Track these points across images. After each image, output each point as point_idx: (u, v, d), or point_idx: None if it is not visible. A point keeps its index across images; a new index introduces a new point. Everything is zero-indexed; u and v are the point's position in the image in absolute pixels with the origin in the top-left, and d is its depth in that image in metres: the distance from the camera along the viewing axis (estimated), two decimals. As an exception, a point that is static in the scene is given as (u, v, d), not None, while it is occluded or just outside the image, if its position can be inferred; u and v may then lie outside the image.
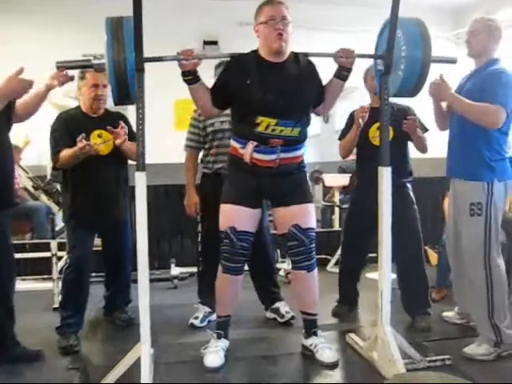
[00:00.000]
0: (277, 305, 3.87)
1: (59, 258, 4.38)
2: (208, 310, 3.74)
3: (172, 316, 3.97)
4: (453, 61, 3.08)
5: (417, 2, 4.37)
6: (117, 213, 3.60)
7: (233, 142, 3.10)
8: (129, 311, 3.80)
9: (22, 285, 4.57)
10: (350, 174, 4.13)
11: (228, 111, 3.16)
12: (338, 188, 5.90)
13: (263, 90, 2.89)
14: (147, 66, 2.67)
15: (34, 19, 5.13)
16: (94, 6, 4.69)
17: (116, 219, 3.61)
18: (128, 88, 2.64)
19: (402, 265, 3.68)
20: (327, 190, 6.60)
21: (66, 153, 3.31)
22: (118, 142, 3.37)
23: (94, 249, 3.63)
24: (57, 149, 3.38)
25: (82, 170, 3.36)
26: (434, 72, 3.00)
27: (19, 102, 2.99)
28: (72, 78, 3.11)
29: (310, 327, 3.21)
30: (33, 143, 5.42)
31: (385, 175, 2.96)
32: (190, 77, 2.86)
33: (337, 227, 5.99)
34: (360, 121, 3.52)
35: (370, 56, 3.13)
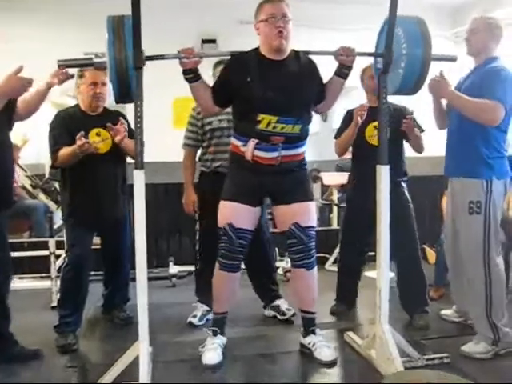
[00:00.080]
0: (276, 302, 3.87)
1: (57, 257, 4.38)
2: (206, 308, 3.74)
3: (170, 314, 3.97)
4: (453, 59, 3.09)
5: (416, 0, 4.36)
6: (115, 211, 3.60)
7: (234, 140, 3.10)
8: (127, 310, 3.81)
9: (20, 283, 4.59)
10: (348, 173, 4.14)
11: (226, 109, 3.16)
12: (336, 186, 5.90)
13: (264, 87, 2.89)
14: (146, 63, 2.67)
15: (35, 18, 5.12)
16: (96, 5, 4.68)
17: (115, 218, 3.61)
18: (129, 86, 2.65)
19: (399, 263, 3.69)
20: (325, 189, 6.60)
21: (64, 151, 3.31)
22: (117, 138, 3.36)
23: (93, 247, 3.63)
24: (56, 147, 3.37)
25: (80, 168, 3.35)
26: (434, 70, 3.01)
27: (20, 100, 2.98)
28: (72, 76, 3.12)
29: (309, 325, 3.21)
30: (31, 142, 5.42)
31: (383, 173, 2.97)
32: (191, 75, 2.87)
33: (335, 226, 6.00)
34: (359, 119, 3.52)
35: (370, 54, 3.13)
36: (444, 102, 3.33)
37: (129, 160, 3.53)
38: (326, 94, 3.11)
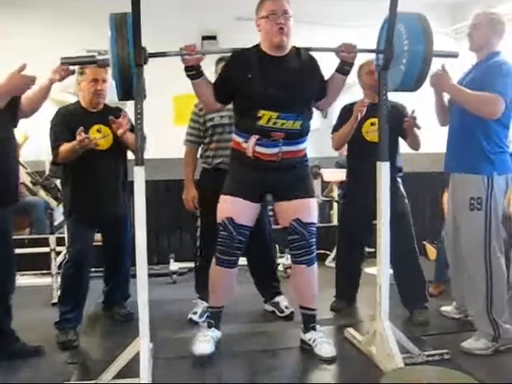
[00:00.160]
0: (276, 299, 3.88)
1: (58, 253, 4.39)
2: (207, 304, 3.74)
3: (171, 311, 3.98)
4: (454, 55, 3.09)
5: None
6: (116, 208, 3.60)
7: (235, 137, 3.10)
8: (128, 306, 3.81)
9: (20, 280, 4.56)
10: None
11: (228, 106, 3.16)
12: (336, 183, 5.90)
13: (265, 83, 2.89)
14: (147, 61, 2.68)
15: (35, 14, 5.12)
16: (96, 1, 4.68)
17: (115, 214, 3.61)
18: (132, 83, 2.66)
19: (397, 259, 3.69)
20: (325, 185, 6.60)
21: (65, 147, 3.31)
22: (119, 131, 3.35)
23: (95, 244, 3.64)
24: (56, 143, 3.38)
25: (81, 164, 3.36)
26: (435, 67, 3.01)
27: (23, 97, 2.99)
28: (73, 72, 3.12)
29: (309, 322, 3.21)
30: (31, 139, 5.41)
31: (383, 170, 2.97)
32: (193, 72, 2.87)
33: (335, 222, 5.98)
34: (358, 114, 3.52)
35: (371, 51, 3.13)
36: (446, 98, 3.33)
37: (130, 156, 3.53)
38: (327, 91, 3.11)
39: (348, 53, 2.92)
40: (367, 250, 4.53)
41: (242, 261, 4.02)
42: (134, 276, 2.79)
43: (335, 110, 3.93)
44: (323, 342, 3.12)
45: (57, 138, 3.40)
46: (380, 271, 3.01)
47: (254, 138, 2.94)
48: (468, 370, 2.69)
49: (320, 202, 6.61)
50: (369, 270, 4.55)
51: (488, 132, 3.07)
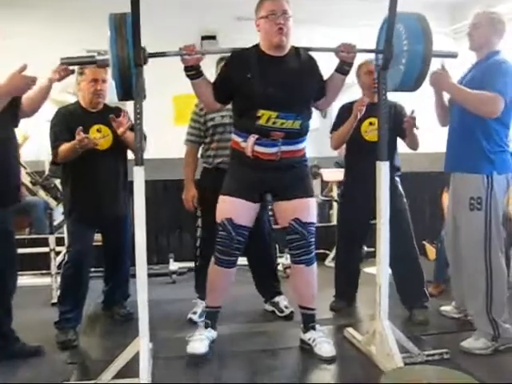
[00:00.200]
0: (276, 299, 3.89)
1: (57, 253, 4.39)
2: (206, 304, 3.75)
3: (170, 311, 3.98)
4: (453, 55, 3.09)
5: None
6: (116, 208, 3.61)
7: (234, 136, 3.11)
8: (127, 306, 3.81)
9: (20, 280, 4.49)
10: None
11: (229, 105, 3.17)
12: (335, 183, 5.90)
13: (264, 83, 2.90)
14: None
15: (35, 14, 5.11)
16: (96, 1, 4.67)
17: (115, 214, 3.62)
18: (132, 83, 2.66)
19: (396, 258, 3.68)
20: (325, 185, 6.60)
21: (64, 147, 3.32)
22: (120, 130, 3.35)
23: (95, 244, 3.64)
24: (56, 143, 3.39)
25: (81, 164, 3.37)
26: (434, 67, 3.01)
27: (24, 97, 3.00)
28: (72, 72, 3.12)
29: (309, 321, 3.22)
30: (31, 139, 5.41)
31: (383, 170, 2.98)
32: (193, 72, 2.88)
33: (335, 222, 5.97)
34: (358, 114, 3.52)
35: (371, 51, 3.14)
36: (446, 98, 3.33)
37: (130, 156, 3.54)
38: (326, 91, 3.12)
39: (347, 53, 2.93)
40: (366, 249, 4.54)
41: (242, 261, 4.04)
42: (134, 276, 2.79)
43: (334, 110, 3.93)
44: (323, 342, 3.12)
45: (56, 138, 3.40)
46: (379, 271, 3.01)
47: (253, 138, 2.95)
48: (468, 370, 2.69)
49: (320, 201, 6.63)
50: (368, 269, 4.56)
51: (488, 131, 3.07)
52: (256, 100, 2.92)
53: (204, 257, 3.76)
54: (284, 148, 2.98)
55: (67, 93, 4.62)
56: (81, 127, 3.20)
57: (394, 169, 3.66)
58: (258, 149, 2.97)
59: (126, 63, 2.60)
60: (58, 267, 4.10)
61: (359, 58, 3.21)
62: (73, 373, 2.95)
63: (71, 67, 3.07)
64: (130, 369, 2.70)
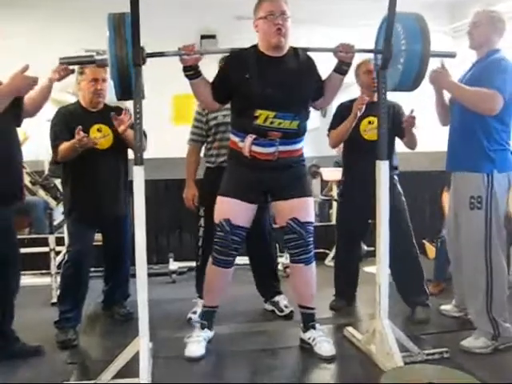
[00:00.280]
0: (276, 298, 3.89)
1: (57, 253, 4.38)
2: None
3: (170, 310, 3.98)
4: (452, 55, 3.09)
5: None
6: (116, 207, 3.61)
7: (232, 136, 3.11)
8: (127, 306, 3.81)
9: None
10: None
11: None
12: (335, 182, 5.90)
13: (262, 84, 2.90)
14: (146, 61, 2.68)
15: (35, 14, 5.11)
16: (96, 1, 4.67)
17: (115, 214, 3.62)
18: (131, 83, 2.66)
19: (396, 256, 3.68)
20: (325, 184, 6.61)
21: (64, 146, 3.33)
22: (121, 128, 3.35)
23: (95, 244, 3.64)
24: (56, 142, 3.39)
25: (81, 164, 3.37)
26: (434, 66, 3.02)
27: (26, 97, 3.01)
28: (72, 71, 3.12)
29: (308, 321, 3.22)
30: (31, 138, 5.41)
31: (382, 169, 2.98)
32: (192, 72, 2.88)
33: (334, 221, 5.99)
34: (358, 112, 3.52)
35: (369, 51, 3.14)
36: (447, 97, 3.33)
37: (130, 156, 3.53)
38: (324, 91, 3.12)
39: (346, 53, 2.93)
40: (366, 248, 4.54)
41: (242, 260, 4.04)
42: (134, 275, 2.79)
43: (334, 109, 3.93)
44: (323, 341, 3.12)
45: (56, 137, 3.41)
46: (379, 270, 3.01)
47: (250, 138, 2.95)
48: (468, 369, 2.69)
49: (319, 201, 6.64)
50: (368, 268, 4.56)
51: (489, 130, 3.06)
52: (254, 100, 2.92)
53: (206, 256, 3.74)
54: (281, 148, 2.98)
55: (67, 92, 4.62)
56: (80, 126, 3.20)
57: (392, 168, 3.67)
58: (256, 149, 2.97)
59: (125, 63, 2.60)
60: (58, 267, 4.10)
61: (358, 58, 3.21)
62: (73, 373, 2.94)
63: (71, 67, 3.07)
64: (130, 368, 2.70)
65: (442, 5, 5.83)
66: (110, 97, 3.41)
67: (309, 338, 3.17)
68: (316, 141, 7.08)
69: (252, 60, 2.97)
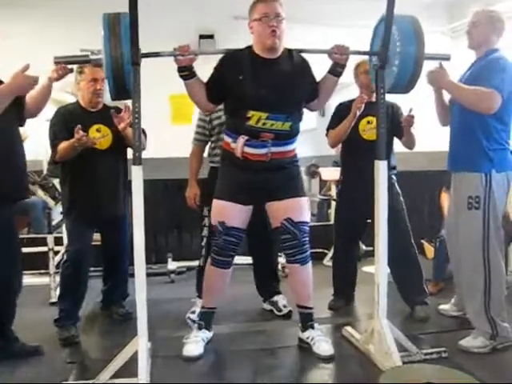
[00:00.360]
0: (275, 298, 3.90)
1: (56, 253, 4.39)
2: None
3: (169, 310, 3.98)
4: (446, 58, 3.09)
5: (413, -5, 4.37)
6: (115, 207, 3.61)
7: (225, 137, 3.13)
8: (126, 305, 3.81)
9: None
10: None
11: None
12: (334, 181, 5.91)
13: (256, 85, 2.91)
14: (143, 60, 2.68)
15: (34, 14, 5.10)
16: (96, 1, 4.66)
17: (114, 213, 3.62)
18: (125, 83, 2.66)
19: (395, 255, 3.69)
20: (323, 184, 6.62)
21: (63, 145, 3.33)
22: (121, 126, 3.35)
23: (93, 243, 3.64)
24: (55, 142, 3.40)
25: (81, 163, 3.38)
26: (432, 67, 3.02)
27: (28, 97, 3.02)
28: (71, 71, 3.12)
29: (307, 320, 3.22)
30: (29, 138, 5.42)
31: (381, 169, 2.98)
32: (186, 72, 2.88)
33: (333, 221, 6.00)
34: (357, 112, 3.52)
35: (364, 53, 3.15)
36: (446, 97, 3.33)
37: (130, 156, 3.53)
38: (318, 93, 3.13)
39: (340, 55, 2.94)
40: (365, 248, 4.54)
41: (242, 260, 4.04)
42: (133, 275, 2.80)
43: (333, 109, 3.93)
44: (321, 341, 3.12)
45: (56, 137, 3.41)
46: (378, 270, 3.01)
47: (242, 139, 2.96)
48: (466, 369, 2.69)
49: (318, 200, 6.65)
50: (366, 268, 4.56)
51: (488, 130, 3.06)
52: (247, 101, 2.93)
53: (209, 256, 3.77)
54: (274, 149, 2.98)
55: (66, 92, 4.62)
56: (79, 125, 3.21)
57: (390, 168, 3.67)
58: (248, 150, 2.97)
59: (120, 62, 2.59)
60: (57, 267, 4.11)
61: (357, 57, 3.20)
62: (72, 372, 2.94)
63: (69, 66, 3.08)
64: (129, 368, 2.69)
65: (441, 5, 5.83)
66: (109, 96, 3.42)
67: (307, 338, 3.18)
68: (315, 140, 7.09)
69: (246, 61, 2.97)
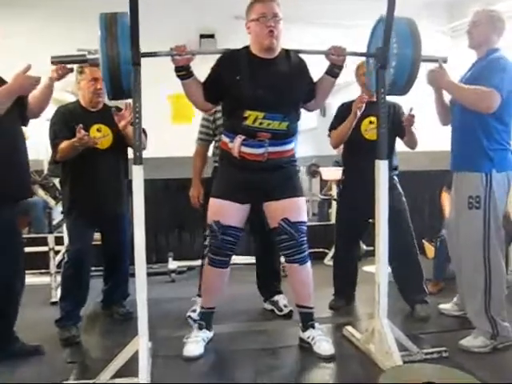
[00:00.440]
0: (276, 298, 3.90)
1: (56, 252, 4.39)
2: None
3: (170, 309, 3.98)
4: (443, 60, 3.09)
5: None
6: (115, 207, 3.62)
7: (223, 137, 3.14)
8: (127, 305, 3.81)
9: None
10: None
11: None
12: (335, 181, 5.91)
13: (253, 86, 2.91)
14: (143, 60, 2.67)
15: (34, 14, 5.10)
16: (96, 1, 4.66)
17: (115, 213, 3.62)
18: (122, 82, 2.65)
19: (396, 255, 3.69)
20: (324, 184, 6.61)
21: (64, 144, 3.33)
22: (121, 124, 3.35)
23: (94, 243, 3.64)
24: (56, 141, 3.39)
25: (81, 163, 3.38)
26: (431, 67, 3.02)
27: (30, 97, 3.03)
28: (71, 70, 3.12)
29: (307, 320, 3.22)
30: (30, 138, 5.42)
31: (381, 169, 2.98)
32: (183, 72, 2.89)
33: (334, 220, 5.99)
34: (358, 112, 3.53)
35: (361, 54, 3.16)
36: (447, 97, 3.33)
37: (131, 155, 3.53)
38: (315, 93, 3.14)
39: (337, 56, 2.94)
40: (366, 248, 4.54)
41: (241, 259, 4.04)
42: (133, 275, 2.80)
43: (334, 109, 3.93)
44: (322, 340, 3.12)
45: (56, 136, 3.41)
46: (378, 269, 3.01)
47: (239, 138, 2.96)
48: (467, 368, 2.69)
49: (319, 200, 6.65)
50: (367, 268, 4.57)
51: (488, 130, 3.06)
52: (244, 101, 2.93)
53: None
54: (271, 149, 2.99)
55: (66, 92, 4.62)
56: (81, 125, 3.21)
57: (392, 168, 3.68)
58: (245, 149, 2.98)
59: (116, 62, 2.59)
60: (58, 266, 4.11)
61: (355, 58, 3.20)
62: (72, 372, 2.94)
63: (69, 66, 3.08)
64: (130, 368, 2.70)
65: (441, 4, 5.83)
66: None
67: (308, 338, 3.18)
68: (315, 140, 7.09)
69: (244, 62, 2.97)
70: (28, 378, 2.88)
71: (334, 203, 6.02)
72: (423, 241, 4.75)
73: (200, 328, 3.24)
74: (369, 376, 2.79)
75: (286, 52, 3.04)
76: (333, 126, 3.82)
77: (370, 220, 3.50)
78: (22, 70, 2.79)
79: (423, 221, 5.51)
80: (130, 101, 2.93)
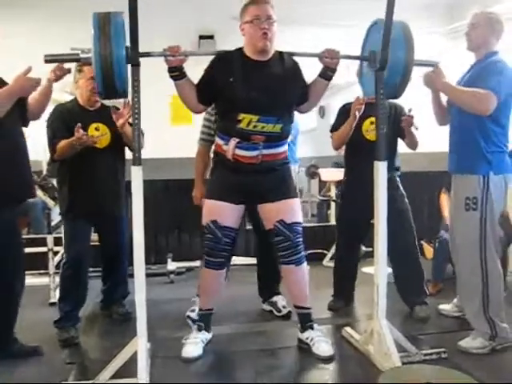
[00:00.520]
0: (274, 298, 3.90)
1: (55, 253, 4.39)
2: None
3: (169, 310, 3.98)
4: (435, 64, 3.09)
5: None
6: (113, 207, 3.61)
7: (217, 139, 3.13)
8: (126, 305, 3.81)
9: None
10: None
11: None
12: (333, 182, 5.91)
13: (247, 88, 2.91)
14: (143, 60, 2.68)
15: (34, 14, 5.11)
16: (96, 1, 4.67)
17: (113, 212, 3.62)
18: (115, 82, 2.65)
19: (397, 256, 3.70)
20: (323, 185, 6.61)
21: (62, 143, 3.32)
22: (120, 122, 3.34)
23: (92, 244, 3.63)
24: (54, 140, 3.39)
25: (79, 162, 3.37)
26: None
27: (30, 98, 3.03)
28: (69, 71, 3.12)
29: (305, 321, 3.22)
30: (29, 138, 5.42)
31: (381, 170, 2.98)
32: (177, 73, 2.89)
33: (333, 221, 5.98)
34: (356, 113, 3.53)
35: (355, 57, 3.16)
36: (444, 98, 3.33)
37: (128, 156, 3.53)
38: (309, 96, 3.14)
39: (331, 59, 2.94)
40: (365, 249, 4.54)
41: (240, 260, 4.05)
42: (132, 276, 2.80)
43: (332, 110, 3.94)
44: (321, 341, 3.12)
45: (54, 135, 3.41)
46: (377, 270, 3.02)
47: (233, 141, 2.96)
48: (465, 369, 2.70)
49: (318, 201, 6.65)
50: (366, 269, 4.56)
51: (486, 132, 3.07)
52: (238, 104, 2.93)
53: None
54: (265, 151, 2.99)
55: (65, 92, 4.62)
56: (79, 124, 3.21)
57: (394, 169, 3.68)
58: (239, 152, 2.98)
59: (109, 61, 2.58)
60: (56, 267, 4.10)
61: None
62: (71, 373, 2.94)
63: (67, 66, 3.08)
64: (129, 368, 2.70)
65: (440, 6, 5.83)
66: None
67: (307, 338, 3.18)
68: (314, 141, 7.11)
69: (237, 64, 2.97)
70: (27, 379, 2.88)
71: (333, 204, 6.03)
72: (422, 242, 4.76)
73: (199, 329, 3.24)
74: (368, 377, 2.80)
75: (280, 54, 3.04)
76: (334, 128, 3.82)
77: (372, 221, 3.50)
78: (23, 72, 2.81)
79: (422, 222, 5.50)
80: (128, 99, 2.93)
